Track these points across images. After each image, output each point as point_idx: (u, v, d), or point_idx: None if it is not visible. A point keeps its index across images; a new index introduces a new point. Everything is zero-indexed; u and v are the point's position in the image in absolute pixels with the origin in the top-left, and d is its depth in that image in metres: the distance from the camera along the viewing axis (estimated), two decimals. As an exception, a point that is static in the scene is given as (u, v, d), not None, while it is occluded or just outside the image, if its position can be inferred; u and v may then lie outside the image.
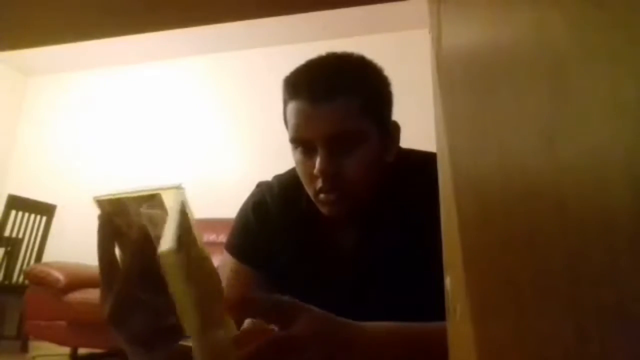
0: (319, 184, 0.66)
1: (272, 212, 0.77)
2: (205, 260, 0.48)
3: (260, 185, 0.82)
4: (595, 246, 0.10)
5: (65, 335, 2.50)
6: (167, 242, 0.35)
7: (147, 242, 0.41)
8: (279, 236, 0.76)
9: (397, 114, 0.74)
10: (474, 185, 0.24)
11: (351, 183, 0.66)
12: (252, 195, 0.81)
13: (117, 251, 0.46)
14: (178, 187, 0.42)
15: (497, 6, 0.18)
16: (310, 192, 0.70)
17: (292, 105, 0.68)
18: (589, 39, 0.10)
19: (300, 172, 0.70)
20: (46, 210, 3.36)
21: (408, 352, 0.54)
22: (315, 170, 0.65)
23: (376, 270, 0.71)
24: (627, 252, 0.08)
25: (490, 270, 0.20)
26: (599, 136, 0.10)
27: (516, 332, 0.16)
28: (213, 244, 2.37)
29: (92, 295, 2.43)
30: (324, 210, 0.69)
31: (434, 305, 0.46)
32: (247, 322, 0.54)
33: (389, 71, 0.74)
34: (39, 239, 3.29)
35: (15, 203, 3.13)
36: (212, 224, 2.67)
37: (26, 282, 2.72)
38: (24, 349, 2.97)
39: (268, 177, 0.84)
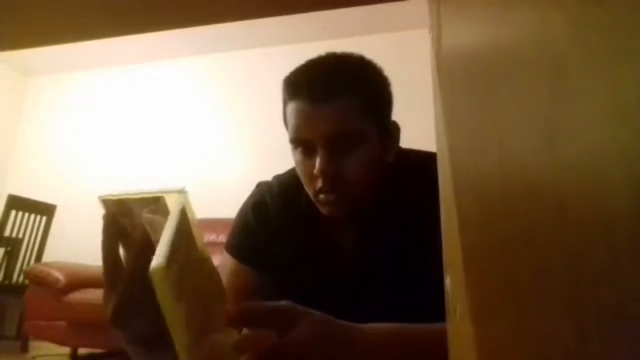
0: (319, 184, 0.66)
1: (272, 212, 0.77)
2: (205, 262, 0.48)
3: (260, 185, 0.82)
4: (595, 246, 0.10)
5: (65, 335, 2.50)
6: (157, 257, 0.35)
7: (150, 244, 0.41)
8: (278, 236, 0.76)
9: (397, 114, 0.74)
10: (474, 185, 0.24)
11: (351, 183, 0.66)
12: (252, 195, 0.81)
13: (121, 251, 0.46)
14: (181, 191, 0.42)
15: (497, 6, 0.18)
16: (310, 192, 0.70)
17: (291, 106, 0.68)
18: (589, 39, 0.10)
19: (300, 173, 0.70)
20: (46, 210, 3.37)
21: (408, 354, 0.54)
22: (315, 171, 0.65)
23: (376, 270, 0.71)
24: (627, 252, 0.08)
25: (490, 270, 0.20)
26: (599, 136, 0.10)
27: (516, 332, 0.16)
28: (213, 244, 2.37)
29: (92, 295, 2.43)
30: (323, 210, 0.69)
31: (434, 306, 0.46)
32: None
33: (389, 71, 0.74)
34: (39, 239, 3.29)
35: (15, 203, 3.13)
36: (212, 224, 2.67)
37: (26, 282, 2.72)
38: (24, 349, 2.97)
39: (268, 177, 0.84)
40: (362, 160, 0.66)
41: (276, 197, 0.78)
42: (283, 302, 0.51)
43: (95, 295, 2.41)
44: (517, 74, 0.16)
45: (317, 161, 0.65)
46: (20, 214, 3.16)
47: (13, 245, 3.11)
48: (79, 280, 2.56)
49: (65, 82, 4.03)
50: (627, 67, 0.08)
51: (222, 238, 2.12)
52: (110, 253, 0.45)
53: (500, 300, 0.18)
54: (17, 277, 3.10)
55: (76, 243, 3.26)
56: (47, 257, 3.22)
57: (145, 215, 0.41)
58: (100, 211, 0.45)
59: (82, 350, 2.76)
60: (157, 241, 0.38)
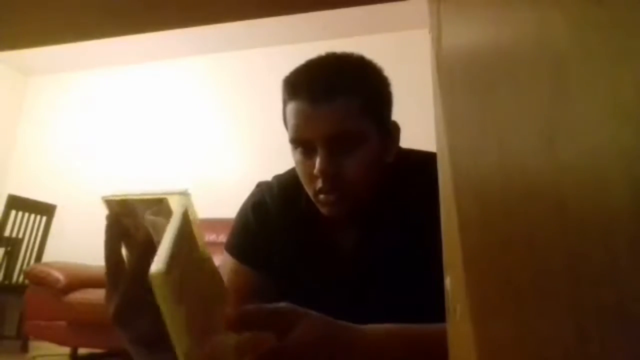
0: (319, 184, 0.66)
1: (272, 212, 0.77)
2: (206, 262, 0.48)
3: (260, 186, 0.82)
4: (595, 246, 0.10)
5: (65, 335, 2.50)
6: (157, 262, 0.35)
7: (153, 245, 0.41)
8: (278, 236, 0.76)
9: (397, 114, 0.74)
10: (474, 185, 0.24)
11: (351, 183, 0.66)
12: (252, 195, 0.81)
13: (123, 251, 0.46)
14: (183, 193, 0.42)
15: (497, 6, 0.18)
16: (310, 192, 0.69)
17: (291, 106, 0.68)
18: (589, 39, 0.10)
19: (300, 173, 0.70)
20: (46, 210, 3.37)
21: (408, 355, 0.54)
22: (315, 171, 0.65)
23: (376, 270, 0.71)
24: (627, 252, 0.08)
25: (490, 270, 0.20)
26: (599, 136, 0.10)
27: (516, 332, 0.16)
28: (213, 244, 2.37)
29: (92, 295, 2.43)
30: (323, 210, 0.69)
31: (434, 305, 0.46)
32: None
33: (389, 71, 0.74)
34: (39, 239, 3.29)
35: (15, 203, 3.13)
36: (212, 224, 2.67)
37: (26, 282, 2.72)
38: (24, 349, 2.97)
39: (268, 177, 0.84)
40: (362, 161, 0.66)
41: (276, 197, 0.78)
42: (282, 304, 0.51)
43: (95, 295, 2.41)
44: (517, 74, 0.16)
45: (317, 161, 0.65)
46: (20, 214, 3.16)
47: (13, 245, 3.11)
48: (79, 280, 2.56)
49: (65, 82, 4.03)
50: (627, 67, 0.08)
51: (222, 238, 2.12)
52: (112, 253, 0.45)
53: (500, 300, 0.18)
54: (17, 277, 3.10)
55: (76, 243, 3.26)
56: (47, 257, 3.22)
57: (148, 217, 0.41)
58: (101, 211, 0.45)
59: (82, 350, 2.76)
60: (159, 242, 0.38)
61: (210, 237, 2.66)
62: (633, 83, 0.08)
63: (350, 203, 0.67)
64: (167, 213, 0.41)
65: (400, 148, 0.74)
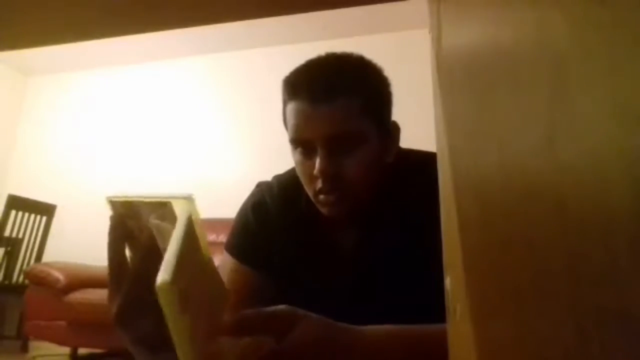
0: (319, 184, 0.66)
1: (272, 213, 0.77)
2: (207, 263, 0.48)
3: (259, 186, 0.82)
4: (595, 246, 0.10)
5: (65, 335, 2.50)
6: (163, 273, 0.35)
7: (156, 248, 0.41)
8: (278, 236, 0.76)
9: (397, 114, 0.74)
10: (474, 185, 0.24)
11: (351, 183, 0.66)
12: (252, 195, 0.81)
13: (126, 251, 0.46)
14: (188, 198, 0.42)
15: (497, 6, 0.18)
16: (310, 192, 0.69)
17: (291, 106, 0.67)
18: (590, 39, 0.10)
19: (300, 173, 0.70)
20: (46, 210, 3.37)
21: (408, 355, 0.54)
22: (315, 171, 0.65)
23: (376, 270, 0.71)
24: (627, 252, 0.08)
25: (490, 270, 0.20)
26: (599, 136, 0.10)
27: (516, 332, 0.16)
28: (213, 244, 2.35)
29: (92, 295, 2.43)
30: (323, 210, 0.69)
31: (434, 305, 0.46)
32: None
33: (389, 71, 0.74)
34: (39, 239, 3.29)
35: (15, 203, 3.13)
36: (212, 224, 2.67)
37: (26, 282, 2.72)
38: (24, 349, 2.97)
39: (268, 177, 0.84)
40: (362, 161, 0.66)
41: (276, 197, 0.78)
42: (281, 307, 0.51)
43: (96, 295, 2.41)
44: (517, 74, 0.16)
45: (317, 161, 0.65)
46: (20, 214, 3.16)
47: (13, 245, 3.11)
48: (79, 280, 2.56)
49: (65, 82, 4.03)
50: (627, 67, 0.08)
51: (222, 238, 2.12)
52: (116, 254, 0.45)
53: (500, 300, 0.18)
54: (17, 277, 3.10)
55: (76, 243, 3.26)
56: (47, 257, 3.22)
57: (153, 221, 0.41)
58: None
59: (82, 350, 2.76)
60: (164, 249, 0.38)
61: (210, 237, 2.66)
62: (633, 83, 0.08)
63: (350, 203, 0.67)
64: (171, 217, 0.41)
65: (400, 148, 0.74)
